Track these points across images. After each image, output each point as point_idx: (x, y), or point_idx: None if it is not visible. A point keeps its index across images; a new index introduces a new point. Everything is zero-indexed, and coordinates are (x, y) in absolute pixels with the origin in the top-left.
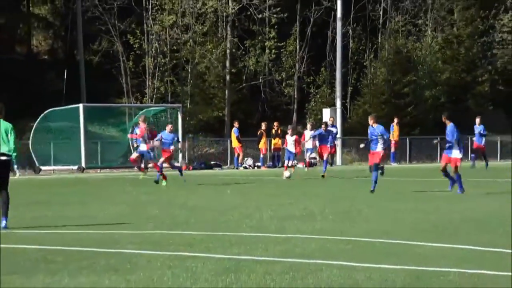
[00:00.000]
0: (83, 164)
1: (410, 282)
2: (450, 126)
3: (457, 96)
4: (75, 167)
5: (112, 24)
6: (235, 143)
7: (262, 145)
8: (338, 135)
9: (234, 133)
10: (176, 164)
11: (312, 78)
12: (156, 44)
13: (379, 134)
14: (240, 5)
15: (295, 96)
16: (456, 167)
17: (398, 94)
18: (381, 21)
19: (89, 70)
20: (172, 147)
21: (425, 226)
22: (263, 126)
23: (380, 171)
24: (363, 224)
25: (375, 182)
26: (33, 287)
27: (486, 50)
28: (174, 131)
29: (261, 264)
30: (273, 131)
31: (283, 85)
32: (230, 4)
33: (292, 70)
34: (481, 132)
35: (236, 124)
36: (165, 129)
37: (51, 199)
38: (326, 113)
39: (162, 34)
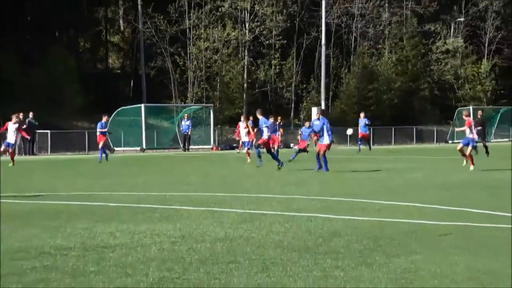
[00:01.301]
0: (144, 146)
1: (374, 229)
2: (321, 119)
3: (406, 99)
4: (138, 148)
5: (165, 48)
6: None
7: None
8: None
9: (249, 124)
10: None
11: (304, 85)
12: (195, 62)
13: (321, 126)
14: (254, 35)
15: (293, 98)
16: (324, 152)
17: (364, 97)
18: (353, 46)
19: (148, 81)
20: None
21: (378, 189)
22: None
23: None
24: (335, 188)
25: (320, 164)
26: (110, 231)
27: (426, 66)
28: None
29: (268, 216)
30: (277, 123)
31: (284, 90)
32: (246, 34)
33: (290, 80)
34: (366, 123)
35: (251, 118)
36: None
37: (124, 170)
38: (314, 111)
39: (199, 55)
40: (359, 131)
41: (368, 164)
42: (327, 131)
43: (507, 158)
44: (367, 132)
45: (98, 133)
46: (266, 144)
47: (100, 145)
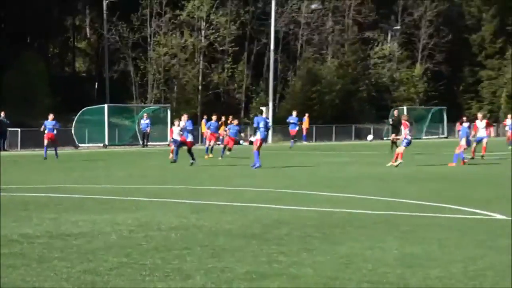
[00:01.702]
0: (106, 143)
1: (315, 218)
2: (261, 117)
3: (346, 100)
4: (101, 144)
5: (127, 53)
6: (204, 129)
7: (221, 131)
8: (270, 124)
9: (204, 123)
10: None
11: (254, 87)
12: (155, 66)
13: (261, 122)
14: (209, 41)
15: (243, 99)
16: (258, 146)
17: (308, 98)
18: (298, 51)
19: (111, 83)
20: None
21: (319, 181)
22: (223, 118)
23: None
24: (280, 181)
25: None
26: (74, 220)
27: (365, 70)
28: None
29: (218, 207)
30: (228, 122)
31: (235, 92)
32: (202, 40)
33: (241, 83)
34: (295, 122)
35: (205, 117)
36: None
37: (88, 165)
38: (264, 110)
39: (159, 60)
40: (289, 128)
41: (311, 159)
42: (259, 128)
43: (437, 154)
44: (296, 129)
45: (46, 131)
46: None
47: (45, 143)
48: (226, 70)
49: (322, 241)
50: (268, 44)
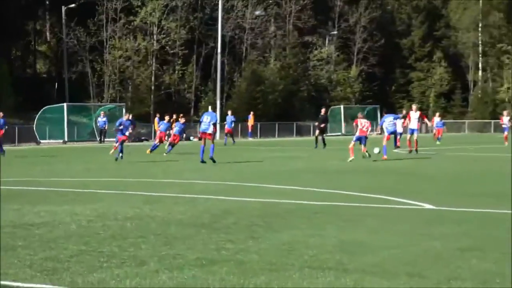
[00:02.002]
0: (65, 139)
1: (260, 209)
2: (211, 112)
3: (288, 99)
4: (61, 141)
5: (85, 56)
6: (156, 126)
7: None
8: (218, 122)
9: (156, 120)
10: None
11: (203, 88)
12: (111, 68)
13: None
14: (161, 45)
15: (193, 99)
16: (211, 140)
17: (253, 98)
18: (244, 54)
19: (70, 84)
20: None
21: (264, 174)
22: (174, 116)
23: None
24: (228, 174)
25: (202, 152)
26: (36, 211)
27: (305, 71)
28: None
29: (170, 198)
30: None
31: (186, 92)
32: (154, 44)
33: (191, 83)
34: (232, 120)
35: (158, 115)
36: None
37: (49, 160)
38: (210, 110)
39: (114, 62)
40: (226, 127)
41: (256, 154)
42: (209, 124)
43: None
44: (232, 127)
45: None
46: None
47: None
48: (176, 72)
49: (267, 230)
50: (215, 47)
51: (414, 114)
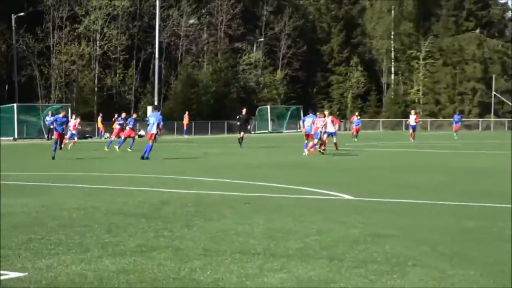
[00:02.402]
0: (15, 136)
1: (195, 199)
2: (156, 113)
3: (220, 100)
4: (11, 138)
5: (33, 60)
6: (100, 125)
7: (115, 125)
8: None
9: (100, 119)
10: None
11: (142, 89)
12: (57, 71)
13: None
14: (103, 50)
15: (133, 99)
16: (150, 140)
17: (188, 99)
18: (179, 59)
19: (20, 86)
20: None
21: (199, 168)
22: (116, 116)
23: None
24: (166, 168)
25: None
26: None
27: (235, 75)
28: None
29: (112, 190)
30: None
31: (126, 93)
32: (97, 49)
33: (131, 85)
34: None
35: (101, 114)
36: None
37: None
38: (149, 109)
39: (60, 66)
40: (159, 125)
41: (191, 150)
42: (153, 124)
43: (291, 146)
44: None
45: None
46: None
47: None
48: (118, 75)
49: (201, 219)
50: (153, 53)
51: (328, 119)
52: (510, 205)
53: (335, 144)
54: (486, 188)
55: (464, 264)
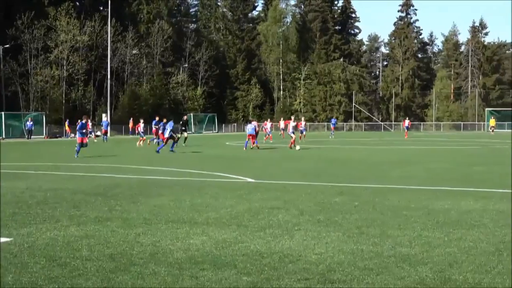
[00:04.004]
0: (3, 136)
1: (139, 182)
2: (170, 122)
3: (156, 109)
4: (1, 138)
5: (16, 80)
6: (67, 127)
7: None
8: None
9: (67, 123)
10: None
11: (98, 101)
12: (35, 88)
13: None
14: (69, 73)
15: (91, 109)
16: (164, 140)
17: (132, 109)
18: (126, 79)
19: (6, 98)
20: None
21: (141, 159)
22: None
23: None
24: (118, 159)
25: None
26: None
27: (167, 91)
28: (42, 123)
29: (78, 176)
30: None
31: (86, 104)
32: (64, 72)
33: (90, 98)
34: (107, 123)
35: (67, 120)
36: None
37: None
38: (103, 116)
39: (37, 84)
40: (103, 128)
41: (135, 146)
42: (167, 129)
43: (213, 143)
44: (106, 129)
45: None
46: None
47: None
48: (80, 91)
49: (142, 197)
50: (106, 74)
51: (293, 123)
52: (369, 185)
53: (293, 141)
54: (351, 172)
55: (334, 228)
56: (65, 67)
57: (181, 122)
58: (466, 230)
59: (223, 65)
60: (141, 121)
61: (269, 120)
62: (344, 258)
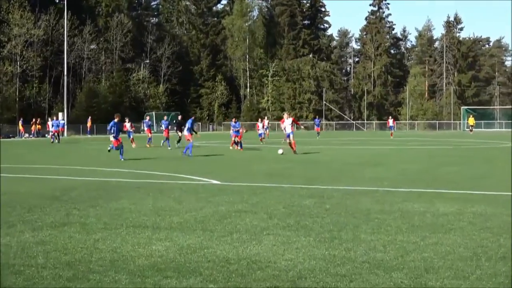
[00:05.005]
0: None
1: (100, 185)
2: (190, 120)
3: (116, 107)
4: None
5: None
6: (20, 127)
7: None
8: (65, 124)
9: (20, 123)
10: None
11: (54, 99)
12: None
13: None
14: (22, 69)
15: (47, 107)
16: (189, 139)
17: (91, 107)
18: (83, 76)
19: None
20: None
21: (99, 161)
22: (38, 120)
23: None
24: (75, 160)
25: None
26: None
27: (127, 88)
28: None
29: (33, 178)
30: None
31: (41, 102)
32: (18, 68)
33: (46, 96)
34: (60, 123)
35: (22, 119)
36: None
37: None
38: (60, 115)
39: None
40: (59, 127)
41: (93, 147)
42: (187, 128)
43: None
44: (59, 128)
45: None
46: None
47: None
48: (34, 88)
49: (101, 200)
50: (62, 71)
51: (287, 121)
52: (340, 187)
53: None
54: (321, 174)
55: (304, 232)
56: (18, 63)
57: (178, 122)
58: (443, 234)
59: (186, 61)
60: (127, 120)
61: (266, 118)
62: (316, 264)
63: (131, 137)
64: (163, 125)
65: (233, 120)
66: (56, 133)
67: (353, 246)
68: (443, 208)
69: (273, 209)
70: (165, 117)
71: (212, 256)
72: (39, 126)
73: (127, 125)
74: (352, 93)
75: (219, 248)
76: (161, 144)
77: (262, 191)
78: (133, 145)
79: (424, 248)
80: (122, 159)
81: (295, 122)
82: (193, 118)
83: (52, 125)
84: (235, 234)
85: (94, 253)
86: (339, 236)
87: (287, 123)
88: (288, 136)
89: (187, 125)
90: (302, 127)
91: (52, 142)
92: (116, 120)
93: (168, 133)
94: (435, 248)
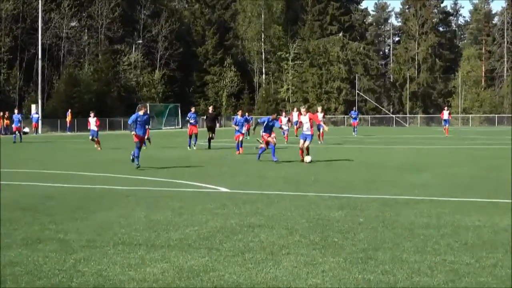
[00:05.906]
0: None
1: (82, 192)
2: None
3: (101, 98)
4: None
5: None
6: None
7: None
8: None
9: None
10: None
11: (26, 88)
12: None
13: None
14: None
15: (17, 98)
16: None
17: (71, 97)
18: (62, 60)
19: None
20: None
21: (81, 164)
22: (7, 114)
23: None
24: (51, 163)
25: None
26: None
27: (116, 75)
28: None
29: (7, 185)
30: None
31: (10, 92)
32: None
33: (15, 84)
34: (20, 119)
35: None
36: None
37: None
38: (33, 107)
39: None
40: (33, 122)
41: (74, 146)
42: (241, 125)
43: (173, 141)
44: (37, 123)
45: None
46: None
47: None
48: (1, 74)
49: (84, 211)
50: (36, 53)
51: (320, 115)
52: (377, 196)
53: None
54: (353, 180)
55: (333, 252)
56: None
57: (208, 115)
58: (503, 254)
59: (188, 41)
60: (92, 115)
61: (295, 109)
62: None
63: (97, 137)
64: (191, 119)
65: (239, 113)
66: (18, 130)
67: (393, 269)
68: (504, 223)
69: (294, 222)
70: (192, 109)
71: (220, 280)
72: (7, 121)
73: (92, 121)
74: (391, 80)
75: (228, 271)
76: (192, 147)
77: (280, 200)
78: (98, 147)
79: (480, 272)
80: (137, 165)
81: (314, 119)
82: (192, 110)
83: (13, 120)
84: (248, 253)
85: (74, 277)
86: (375, 256)
87: (304, 120)
88: (305, 139)
89: (265, 120)
90: (324, 125)
91: (14, 142)
92: (141, 112)
93: (197, 129)
94: (493, 272)
